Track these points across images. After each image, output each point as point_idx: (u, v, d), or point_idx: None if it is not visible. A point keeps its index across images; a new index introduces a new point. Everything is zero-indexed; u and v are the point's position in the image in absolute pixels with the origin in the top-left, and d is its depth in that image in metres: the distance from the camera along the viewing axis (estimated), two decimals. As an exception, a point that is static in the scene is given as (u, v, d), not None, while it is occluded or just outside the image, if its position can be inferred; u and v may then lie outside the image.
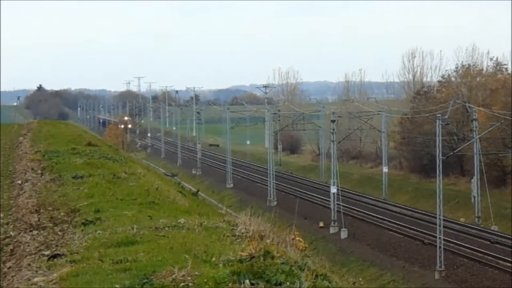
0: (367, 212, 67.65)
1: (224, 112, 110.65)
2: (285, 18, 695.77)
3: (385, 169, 79.11)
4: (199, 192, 30.85)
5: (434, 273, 48.53)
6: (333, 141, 67.94)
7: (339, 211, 62.55)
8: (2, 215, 17.27)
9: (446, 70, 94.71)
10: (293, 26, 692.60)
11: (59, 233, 14.19)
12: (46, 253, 12.67)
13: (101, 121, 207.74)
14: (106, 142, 50.77)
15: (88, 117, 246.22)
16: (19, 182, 22.42)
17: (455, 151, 62.41)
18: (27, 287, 10.87)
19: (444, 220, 51.96)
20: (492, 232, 57.35)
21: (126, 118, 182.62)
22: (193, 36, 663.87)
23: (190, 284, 9.55)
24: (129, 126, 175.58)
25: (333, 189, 64.07)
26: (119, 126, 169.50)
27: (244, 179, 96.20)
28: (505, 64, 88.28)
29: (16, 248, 13.82)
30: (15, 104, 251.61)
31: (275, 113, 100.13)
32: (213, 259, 10.87)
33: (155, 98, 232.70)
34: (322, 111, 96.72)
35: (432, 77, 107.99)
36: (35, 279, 11.02)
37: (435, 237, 49.81)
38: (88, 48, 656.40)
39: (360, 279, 44.75)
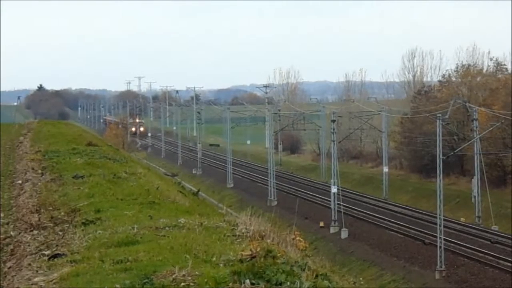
0: (367, 212, 67.65)
1: (225, 112, 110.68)
2: (286, 18, 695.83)
3: (385, 169, 79.12)
4: (200, 192, 30.85)
5: (434, 273, 48.53)
6: (333, 141, 67.94)
7: (339, 211, 62.57)
8: (2, 215, 17.28)
9: (446, 70, 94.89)
10: (293, 26, 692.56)
11: (60, 233, 14.20)
12: (46, 253, 12.67)
13: (106, 122, 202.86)
14: (106, 142, 50.76)
15: (88, 117, 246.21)
16: (20, 182, 22.43)
17: (455, 151, 62.38)
18: (27, 287, 10.87)
19: (444, 220, 51.96)
20: (493, 232, 57.36)
21: (138, 120, 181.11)
22: (193, 36, 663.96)
23: (191, 284, 9.55)
24: (141, 129, 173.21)
25: (334, 189, 64.10)
26: (131, 129, 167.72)
27: (245, 179, 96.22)
28: (504, 65, 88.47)
29: (17, 248, 13.82)
30: (15, 104, 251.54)
31: (275, 113, 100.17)
32: (214, 259, 10.86)
33: (155, 98, 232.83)
34: (322, 111, 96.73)
35: (432, 77, 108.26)
36: (36, 279, 11.02)
37: (436, 237, 49.81)
38: (88, 48, 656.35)
39: (361, 279, 44.83)
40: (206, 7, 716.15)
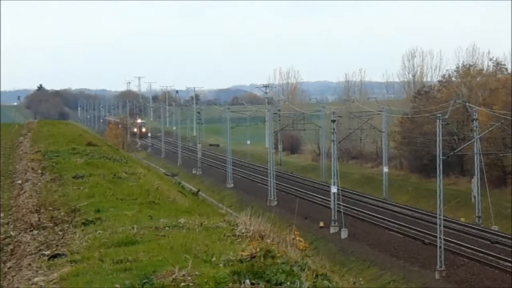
0: (367, 212, 67.64)
1: (225, 112, 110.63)
2: (286, 18, 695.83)
3: (385, 169, 79.10)
4: (200, 192, 30.85)
5: (434, 273, 48.52)
6: (333, 141, 67.91)
7: (339, 211, 62.54)
8: (2, 215, 17.28)
9: (446, 70, 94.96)
10: (293, 26, 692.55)
11: (60, 233, 14.20)
12: (46, 253, 12.67)
13: (107, 122, 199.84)
14: (106, 142, 50.76)
15: (88, 117, 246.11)
16: (20, 182, 22.43)
17: (455, 151, 62.39)
18: (27, 287, 10.87)
19: (444, 220, 51.95)
20: (493, 232, 57.35)
21: (139, 120, 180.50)
22: (193, 36, 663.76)
23: (191, 284, 9.55)
24: (143, 130, 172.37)
25: (333, 189, 64.06)
26: (134, 130, 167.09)
27: (244, 179, 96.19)
28: (505, 64, 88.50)
29: (17, 248, 13.82)
30: (15, 104, 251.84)
31: (275, 113, 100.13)
32: (214, 259, 10.87)
33: (155, 98, 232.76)
34: (322, 111, 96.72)
35: (432, 77, 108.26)
36: (36, 279, 11.02)
37: (436, 237, 49.80)
38: (88, 48, 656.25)
39: (361, 279, 44.71)
40: (206, 7, 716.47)
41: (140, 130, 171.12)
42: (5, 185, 22.36)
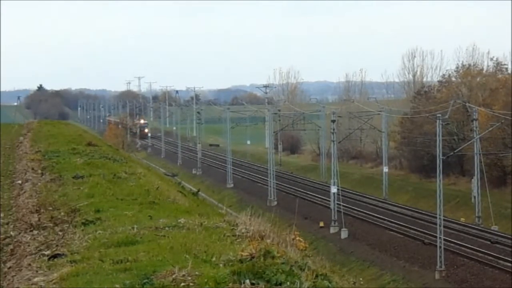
0: (367, 212, 67.64)
1: (224, 112, 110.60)
2: (286, 18, 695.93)
3: (385, 169, 79.10)
4: (200, 192, 30.81)
5: (434, 273, 48.53)
6: (333, 141, 67.92)
7: (339, 211, 62.55)
8: (2, 215, 17.28)
9: (446, 70, 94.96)
10: (293, 26, 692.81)
11: (60, 233, 14.20)
12: (46, 253, 12.67)
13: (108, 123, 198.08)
14: (106, 142, 50.74)
15: (88, 117, 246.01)
16: (20, 182, 22.43)
17: (455, 151, 62.38)
18: (27, 287, 10.87)
19: (444, 220, 51.96)
20: (493, 232, 57.35)
21: (142, 121, 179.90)
22: (193, 36, 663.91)
23: (191, 284, 9.56)
24: (146, 130, 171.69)
25: (333, 189, 64.07)
26: (135, 131, 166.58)
27: (244, 179, 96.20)
28: (505, 64, 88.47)
29: (17, 248, 13.82)
30: (15, 104, 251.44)
31: (275, 113, 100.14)
32: (214, 259, 10.87)
33: (155, 98, 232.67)
34: (322, 111, 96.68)
35: (432, 77, 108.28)
36: (36, 279, 11.02)
37: (436, 237, 49.81)
38: (88, 48, 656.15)
39: (361, 279, 44.79)
40: (206, 7, 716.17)
41: (142, 131, 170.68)
42: (5, 185, 22.36)
